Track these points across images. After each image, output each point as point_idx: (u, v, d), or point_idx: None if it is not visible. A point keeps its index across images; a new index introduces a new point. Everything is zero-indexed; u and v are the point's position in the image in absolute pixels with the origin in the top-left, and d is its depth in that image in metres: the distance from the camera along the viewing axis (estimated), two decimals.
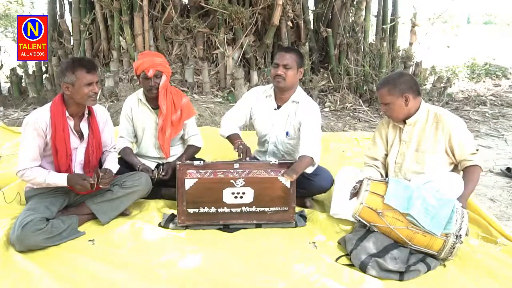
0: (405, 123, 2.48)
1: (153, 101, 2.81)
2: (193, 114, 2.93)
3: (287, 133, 2.77)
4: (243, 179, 2.40)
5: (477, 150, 2.42)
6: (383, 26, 6.21)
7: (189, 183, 2.39)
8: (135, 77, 5.42)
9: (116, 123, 3.14)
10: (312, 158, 2.55)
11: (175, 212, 2.51)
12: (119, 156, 2.80)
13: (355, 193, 2.31)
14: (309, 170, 2.61)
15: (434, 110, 2.45)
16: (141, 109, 2.85)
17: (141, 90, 2.87)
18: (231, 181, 2.41)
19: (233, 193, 2.42)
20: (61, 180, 2.30)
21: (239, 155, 2.52)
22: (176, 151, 2.95)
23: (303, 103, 2.73)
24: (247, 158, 2.49)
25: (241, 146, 2.55)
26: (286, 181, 2.43)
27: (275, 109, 2.77)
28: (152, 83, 2.71)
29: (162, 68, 2.73)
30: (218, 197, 2.42)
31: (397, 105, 2.39)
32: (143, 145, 2.90)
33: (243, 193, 2.43)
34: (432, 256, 2.11)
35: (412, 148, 2.46)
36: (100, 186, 2.34)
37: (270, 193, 2.44)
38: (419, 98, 2.44)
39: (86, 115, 2.42)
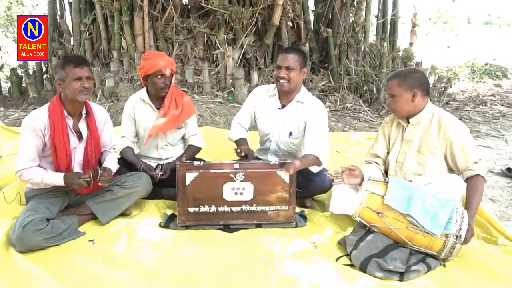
0: (408, 122, 2.47)
1: (158, 100, 2.82)
2: (193, 112, 2.94)
3: (290, 133, 2.77)
4: (243, 173, 2.41)
5: (480, 159, 2.36)
6: (383, 29, 6.20)
7: (189, 177, 2.40)
8: (136, 77, 5.46)
9: (116, 123, 3.14)
10: (316, 157, 2.55)
11: (175, 212, 2.51)
12: (120, 156, 2.80)
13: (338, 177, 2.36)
14: (315, 169, 2.61)
15: (438, 113, 2.41)
16: (144, 109, 2.86)
17: (144, 90, 2.87)
18: (231, 175, 2.41)
19: (233, 189, 2.42)
20: (58, 179, 2.30)
21: (238, 156, 2.54)
22: (177, 151, 2.95)
23: (309, 102, 2.73)
24: (248, 156, 2.51)
25: (240, 151, 2.56)
26: (285, 175, 2.43)
27: (279, 108, 2.77)
28: (167, 82, 2.74)
29: (174, 66, 2.81)
30: (218, 194, 2.43)
31: (403, 98, 2.37)
32: (144, 145, 2.90)
33: (243, 189, 2.43)
34: (432, 256, 2.11)
35: (413, 148, 2.45)
36: (99, 184, 2.34)
37: (269, 189, 2.44)
38: (427, 98, 2.42)
39: (84, 115, 2.43)
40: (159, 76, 2.71)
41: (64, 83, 2.29)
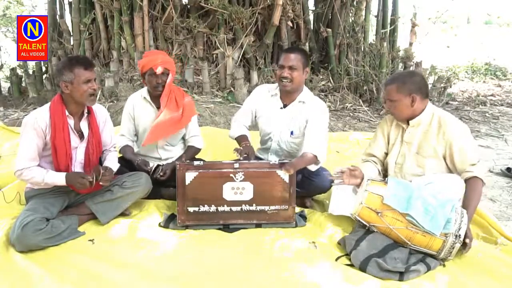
0: (408, 123, 2.46)
1: (157, 99, 2.82)
2: (194, 113, 2.93)
3: (291, 133, 2.76)
4: (243, 173, 2.41)
5: (478, 161, 2.32)
6: (383, 29, 6.20)
7: (189, 177, 2.40)
8: (135, 77, 5.46)
9: (116, 123, 3.13)
10: (315, 156, 2.55)
11: (175, 212, 2.51)
12: (120, 154, 2.81)
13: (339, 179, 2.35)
14: (313, 168, 2.61)
15: (438, 114, 2.40)
16: (144, 107, 2.86)
17: (145, 88, 2.88)
18: (231, 175, 2.41)
19: (232, 188, 2.42)
20: (59, 179, 2.30)
21: (240, 155, 2.53)
22: (177, 151, 2.95)
23: (310, 102, 2.73)
24: (250, 158, 2.50)
25: (241, 148, 2.55)
26: (284, 175, 2.43)
27: (281, 108, 2.77)
28: (159, 80, 2.73)
29: (170, 66, 2.77)
30: (218, 193, 2.43)
31: (403, 104, 2.36)
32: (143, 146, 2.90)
33: (243, 189, 2.43)
34: (432, 256, 2.11)
35: (413, 150, 2.44)
36: (101, 183, 2.34)
37: (269, 189, 2.44)
38: (426, 100, 2.41)
39: (85, 114, 2.43)
40: (152, 75, 2.72)
41: (72, 85, 2.27)
